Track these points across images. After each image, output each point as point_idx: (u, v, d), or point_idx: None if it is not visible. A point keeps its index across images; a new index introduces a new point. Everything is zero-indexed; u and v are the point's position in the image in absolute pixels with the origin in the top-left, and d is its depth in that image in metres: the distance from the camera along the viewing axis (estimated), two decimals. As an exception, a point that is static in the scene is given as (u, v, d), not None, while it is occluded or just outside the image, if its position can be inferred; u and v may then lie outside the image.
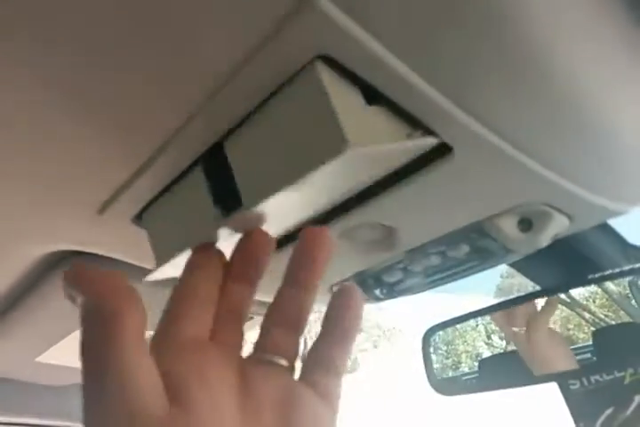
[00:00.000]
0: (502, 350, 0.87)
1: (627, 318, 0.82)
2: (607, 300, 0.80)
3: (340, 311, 0.25)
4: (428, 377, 0.74)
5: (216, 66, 0.22)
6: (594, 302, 0.90)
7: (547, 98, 0.23)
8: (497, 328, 0.80)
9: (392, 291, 0.43)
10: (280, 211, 0.26)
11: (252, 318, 0.43)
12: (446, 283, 0.41)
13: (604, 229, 0.64)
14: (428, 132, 0.24)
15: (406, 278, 0.41)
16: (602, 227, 0.63)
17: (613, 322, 0.79)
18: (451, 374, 0.95)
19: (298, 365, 0.25)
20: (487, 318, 0.81)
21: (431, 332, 0.75)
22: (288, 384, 0.23)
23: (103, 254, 0.39)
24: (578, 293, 0.84)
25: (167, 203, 0.31)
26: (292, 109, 0.23)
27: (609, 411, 0.71)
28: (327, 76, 0.21)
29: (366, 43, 0.19)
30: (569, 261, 0.64)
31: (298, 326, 0.25)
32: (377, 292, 0.43)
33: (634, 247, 0.67)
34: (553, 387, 0.76)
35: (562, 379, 0.74)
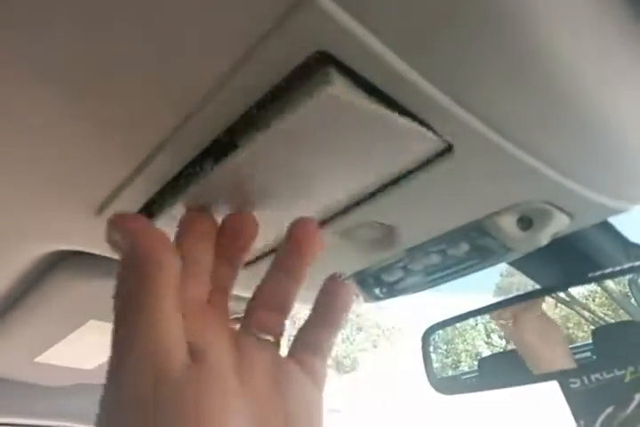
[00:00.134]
0: (502, 349, 0.88)
1: (626, 317, 0.82)
2: (607, 298, 0.80)
3: (331, 298, 0.26)
4: (428, 376, 0.74)
5: (214, 64, 0.22)
6: (593, 300, 0.90)
7: (547, 95, 0.23)
8: (497, 327, 0.80)
9: (392, 290, 0.43)
10: (280, 213, 0.26)
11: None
12: (446, 281, 0.41)
13: (605, 227, 0.64)
14: (428, 129, 0.24)
15: (406, 277, 0.41)
16: (602, 225, 0.63)
17: (613, 321, 0.79)
18: (450, 373, 0.95)
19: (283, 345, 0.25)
20: (487, 316, 0.81)
21: (431, 331, 0.75)
22: (276, 358, 0.23)
23: (103, 254, 0.39)
24: (577, 291, 0.84)
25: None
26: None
27: (609, 409, 0.71)
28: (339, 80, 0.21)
29: (365, 39, 0.19)
30: (569, 260, 0.64)
31: (283, 307, 0.25)
32: (377, 291, 0.43)
33: (634, 245, 0.67)
34: (554, 385, 0.76)
35: (562, 377, 0.74)
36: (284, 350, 0.25)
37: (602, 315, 0.81)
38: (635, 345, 0.68)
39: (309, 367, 0.24)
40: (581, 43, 0.22)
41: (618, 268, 0.62)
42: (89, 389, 0.71)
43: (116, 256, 0.40)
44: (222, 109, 0.24)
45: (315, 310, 0.26)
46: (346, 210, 0.32)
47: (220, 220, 0.28)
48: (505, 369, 0.76)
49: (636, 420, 0.69)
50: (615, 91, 0.25)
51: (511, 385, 0.71)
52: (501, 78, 0.22)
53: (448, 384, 0.83)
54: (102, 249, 0.39)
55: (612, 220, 0.62)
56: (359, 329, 14.57)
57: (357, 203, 0.31)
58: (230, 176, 0.28)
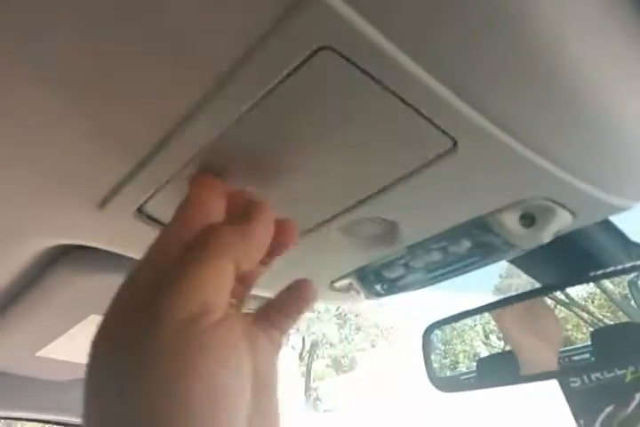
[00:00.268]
0: (500, 350, 0.88)
1: (625, 319, 0.82)
2: (606, 300, 0.80)
3: (295, 292, 0.28)
4: (428, 373, 0.74)
5: (217, 60, 0.22)
6: (592, 302, 0.90)
7: (551, 92, 0.23)
8: (495, 328, 0.80)
9: (393, 287, 0.43)
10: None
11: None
12: (447, 279, 0.41)
13: (606, 226, 0.64)
14: (432, 125, 0.24)
15: (407, 274, 0.41)
16: (603, 224, 0.63)
17: (612, 322, 0.79)
18: (449, 373, 0.95)
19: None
20: (485, 317, 0.81)
21: (431, 329, 0.75)
22: (244, 318, 0.25)
23: (105, 249, 0.39)
24: (576, 293, 0.84)
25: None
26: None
27: (609, 409, 0.72)
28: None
29: (369, 34, 0.19)
30: (570, 258, 0.64)
31: (248, 282, 0.28)
32: (378, 287, 0.43)
33: (635, 244, 0.67)
34: (554, 384, 0.76)
35: (562, 376, 0.74)
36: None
37: (601, 317, 0.81)
38: (634, 346, 0.68)
39: (270, 336, 0.26)
40: (586, 42, 0.22)
41: (619, 267, 0.62)
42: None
43: (117, 250, 0.40)
44: (224, 105, 0.24)
45: (280, 295, 0.28)
46: (351, 205, 0.32)
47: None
48: (504, 369, 0.76)
49: (636, 419, 0.69)
50: (620, 89, 0.25)
51: (510, 384, 0.71)
52: (506, 74, 0.22)
53: (447, 382, 0.83)
54: (104, 243, 0.39)
55: (614, 218, 0.62)
56: (358, 329, 14.57)
57: (362, 199, 0.31)
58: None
